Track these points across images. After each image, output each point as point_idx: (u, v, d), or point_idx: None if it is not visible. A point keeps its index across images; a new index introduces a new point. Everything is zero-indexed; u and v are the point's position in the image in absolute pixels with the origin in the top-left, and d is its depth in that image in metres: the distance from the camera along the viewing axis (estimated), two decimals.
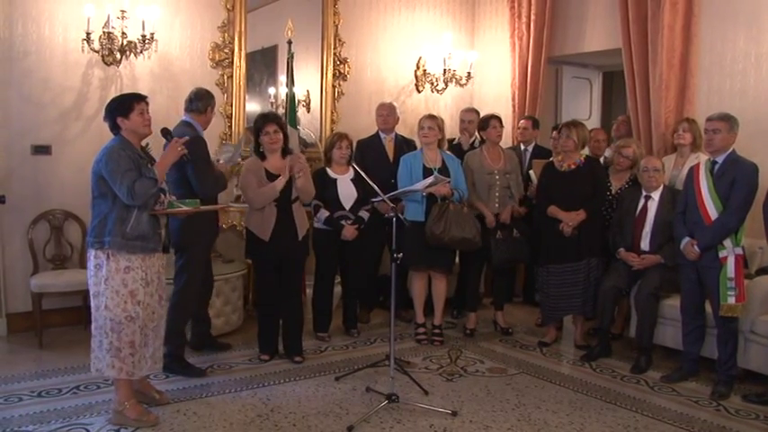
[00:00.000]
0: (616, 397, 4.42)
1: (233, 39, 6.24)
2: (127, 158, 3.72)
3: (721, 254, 4.37)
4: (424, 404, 4.18)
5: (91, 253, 3.81)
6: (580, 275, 5.20)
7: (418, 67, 7.46)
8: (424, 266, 5.44)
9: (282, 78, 6.48)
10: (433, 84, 7.46)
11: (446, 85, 7.46)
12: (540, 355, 5.29)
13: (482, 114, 6.10)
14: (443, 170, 5.36)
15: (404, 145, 6.06)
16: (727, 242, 4.36)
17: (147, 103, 3.92)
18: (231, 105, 6.29)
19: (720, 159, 4.45)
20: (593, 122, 7.39)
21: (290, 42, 6.22)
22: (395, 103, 6.32)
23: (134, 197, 3.68)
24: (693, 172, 4.58)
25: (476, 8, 7.97)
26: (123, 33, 5.44)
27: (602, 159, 5.79)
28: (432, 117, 5.53)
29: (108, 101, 3.96)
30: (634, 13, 6.05)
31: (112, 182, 3.69)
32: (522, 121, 6.65)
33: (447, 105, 7.63)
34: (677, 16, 5.79)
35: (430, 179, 4.96)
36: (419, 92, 7.50)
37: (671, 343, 5.00)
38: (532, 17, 7.12)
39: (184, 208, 4.05)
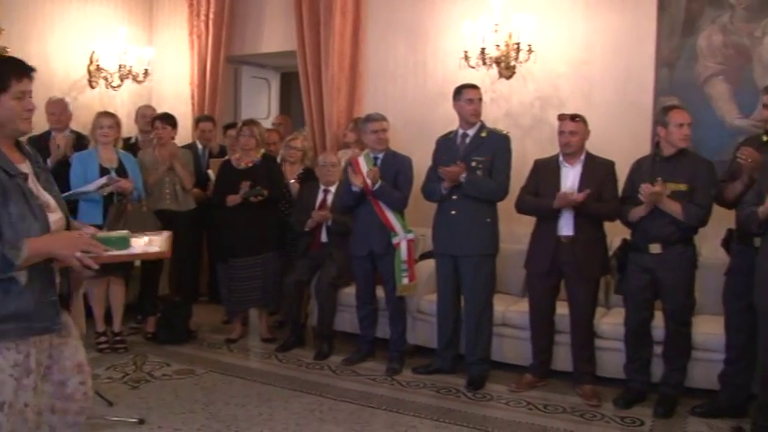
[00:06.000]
0: (302, 384, 4.60)
1: None
2: None
3: (394, 240, 4.77)
4: (109, 416, 3.97)
5: None
6: (258, 269, 5.32)
7: (91, 62, 7.05)
8: (101, 272, 5.14)
9: None
10: (107, 80, 7.09)
11: (122, 82, 7.15)
12: (227, 352, 5.32)
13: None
14: (120, 170, 5.14)
15: (81, 140, 5.68)
16: (399, 229, 4.76)
17: (31, 80, 2.36)
18: None
19: (381, 155, 4.84)
20: (271, 122, 7.58)
21: None
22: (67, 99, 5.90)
23: None
24: (354, 165, 4.85)
25: (153, 3, 7.73)
26: None
27: (278, 159, 5.98)
28: (110, 115, 5.29)
29: None
30: (308, 17, 6.35)
31: None
32: (203, 123, 6.59)
33: (124, 102, 7.29)
34: (347, 23, 6.20)
35: (103, 180, 4.74)
36: (93, 87, 7.08)
37: (349, 328, 5.33)
38: (211, 16, 7.10)
39: (114, 252, 2.40)
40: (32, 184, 2.31)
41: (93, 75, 7.06)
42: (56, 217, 2.34)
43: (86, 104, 6.91)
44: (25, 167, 2.33)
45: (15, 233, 2.17)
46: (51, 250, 2.21)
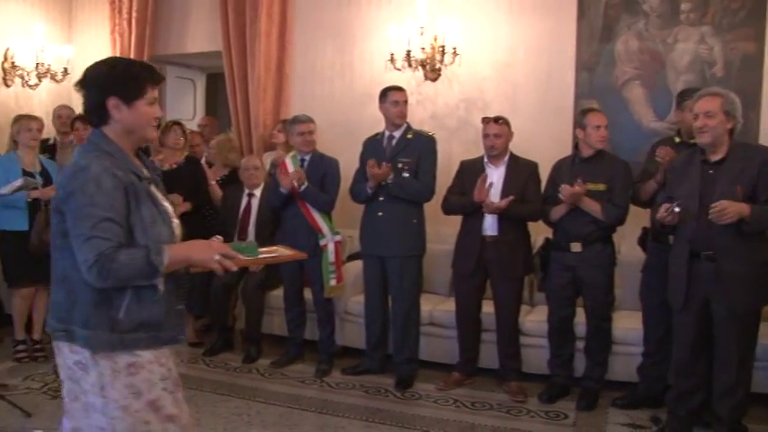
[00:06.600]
0: (230, 388, 4.56)
1: None
2: (109, 191, 2.07)
3: (321, 242, 4.77)
4: (28, 426, 3.85)
5: (63, 344, 2.20)
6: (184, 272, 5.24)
7: (6, 59, 6.80)
8: (30, 282, 4.94)
9: None
10: (24, 78, 6.85)
11: (39, 81, 6.91)
12: None
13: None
14: (45, 175, 4.97)
15: None
16: (326, 230, 4.77)
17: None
18: None
19: (308, 157, 4.84)
20: (196, 123, 7.46)
21: None
22: None
23: (102, 276, 2.04)
24: (281, 167, 4.85)
25: (72, 1, 7.51)
26: None
27: (203, 161, 5.90)
28: (36, 118, 5.13)
29: (96, 63, 2.33)
30: (233, 18, 6.27)
31: (73, 234, 2.08)
32: None
33: (42, 102, 7.05)
34: (273, 25, 6.16)
35: (18, 182, 4.59)
36: (8, 86, 6.82)
37: (278, 330, 5.31)
38: (134, 14, 6.93)
39: (242, 257, 2.37)
40: (154, 190, 2.28)
41: (8, 73, 6.80)
42: (176, 223, 2.31)
43: (2, 104, 6.68)
44: (146, 173, 2.28)
45: (147, 238, 2.13)
46: (190, 256, 2.19)
